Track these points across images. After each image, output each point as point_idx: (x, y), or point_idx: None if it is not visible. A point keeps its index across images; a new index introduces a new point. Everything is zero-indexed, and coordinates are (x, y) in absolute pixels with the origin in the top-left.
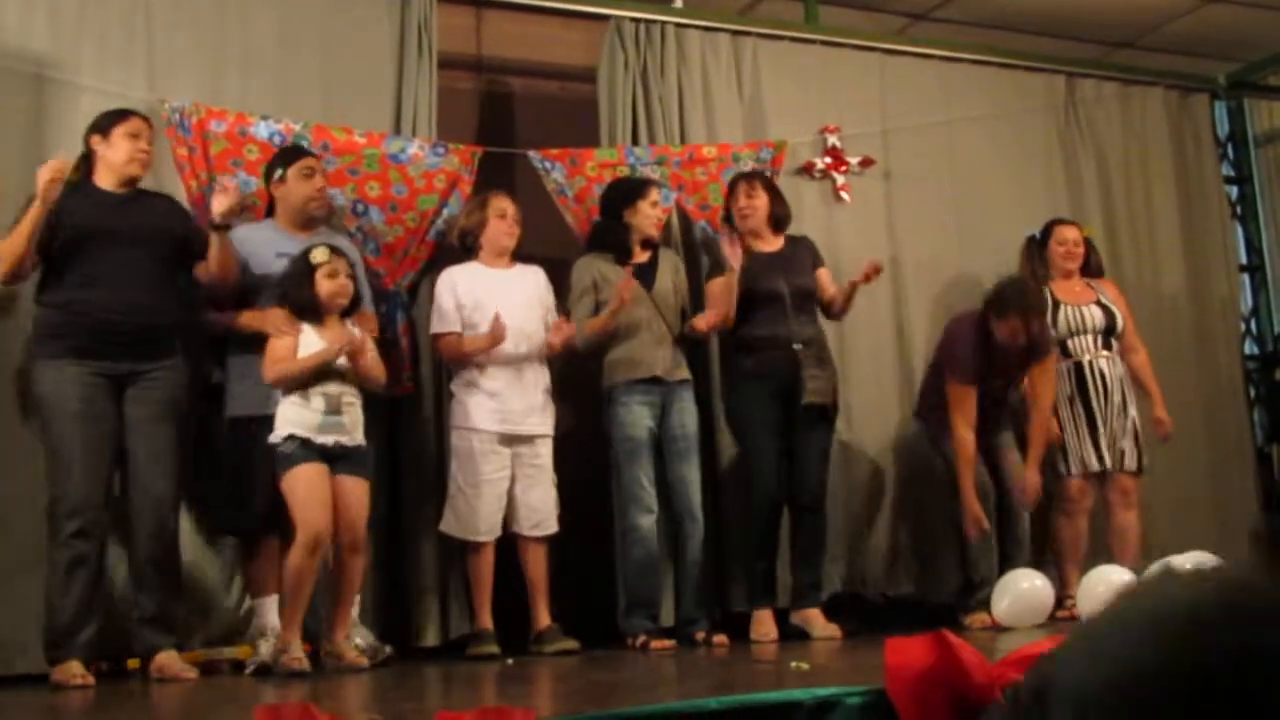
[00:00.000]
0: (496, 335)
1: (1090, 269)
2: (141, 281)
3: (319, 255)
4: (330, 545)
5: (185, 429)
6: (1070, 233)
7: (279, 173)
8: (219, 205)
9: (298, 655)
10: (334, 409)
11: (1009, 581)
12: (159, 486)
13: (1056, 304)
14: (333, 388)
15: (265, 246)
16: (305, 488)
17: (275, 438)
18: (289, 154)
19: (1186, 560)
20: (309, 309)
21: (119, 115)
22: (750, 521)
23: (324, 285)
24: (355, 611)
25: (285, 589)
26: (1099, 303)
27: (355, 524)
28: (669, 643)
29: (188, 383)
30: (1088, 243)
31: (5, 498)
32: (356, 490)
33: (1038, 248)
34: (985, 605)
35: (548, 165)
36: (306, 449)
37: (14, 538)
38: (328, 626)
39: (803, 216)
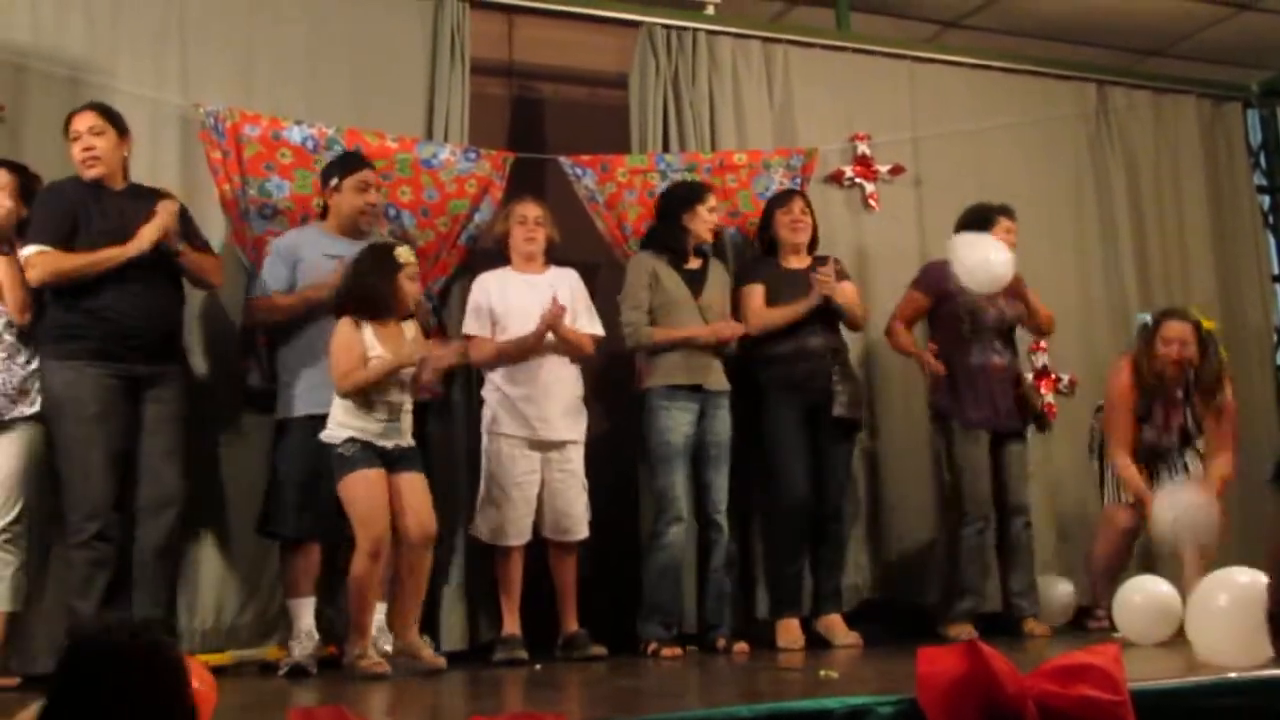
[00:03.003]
0: (539, 328)
1: (1203, 378)
2: (154, 286)
3: (405, 255)
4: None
5: (189, 430)
6: (1175, 330)
7: (334, 180)
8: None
9: (375, 659)
10: (395, 417)
11: (1126, 595)
12: (171, 485)
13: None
14: (394, 396)
15: (314, 249)
16: (365, 493)
17: (332, 438)
18: (347, 163)
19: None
20: (383, 306)
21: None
22: (775, 530)
23: (408, 286)
24: (381, 616)
25: (350, 596)
26: (1184, 428)
27: (425, 520)
28: (677, 650)
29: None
30: (1204, 341)
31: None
32: (420, 486)
33: (1149, 334)
34: (967, 616)
35: (579, 171)
36: (367, 451)
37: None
38: (399, 625)
39: (832, 225)
